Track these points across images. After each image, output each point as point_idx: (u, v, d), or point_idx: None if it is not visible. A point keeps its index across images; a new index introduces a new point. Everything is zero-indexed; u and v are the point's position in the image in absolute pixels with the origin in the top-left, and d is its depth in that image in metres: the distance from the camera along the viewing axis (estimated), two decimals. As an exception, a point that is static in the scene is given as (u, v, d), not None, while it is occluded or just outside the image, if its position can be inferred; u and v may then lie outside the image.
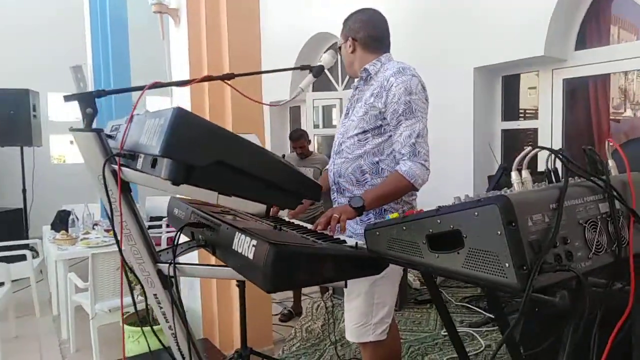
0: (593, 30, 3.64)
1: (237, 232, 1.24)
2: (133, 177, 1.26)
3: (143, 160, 1.08)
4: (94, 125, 1.30)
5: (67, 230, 3.85)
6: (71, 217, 3.94)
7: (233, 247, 1.24)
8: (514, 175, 0.98)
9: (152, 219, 4.95)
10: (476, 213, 0.91)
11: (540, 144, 3.88)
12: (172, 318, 1.40)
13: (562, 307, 0.87)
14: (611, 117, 3.69)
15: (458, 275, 0.97)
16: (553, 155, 1.07)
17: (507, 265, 0.86)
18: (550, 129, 3.82)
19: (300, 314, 3.60)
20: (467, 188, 4.02)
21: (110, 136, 1.50)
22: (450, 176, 4.06)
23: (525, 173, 0.99)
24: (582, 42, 3.65)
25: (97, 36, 5.87)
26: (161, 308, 1.40)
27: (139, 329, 2.89)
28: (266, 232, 1.24)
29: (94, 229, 4.07)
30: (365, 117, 1.74)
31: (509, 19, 3.64)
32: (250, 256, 1.14)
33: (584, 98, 3.78)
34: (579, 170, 1.02)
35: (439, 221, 0.99)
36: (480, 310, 3.08)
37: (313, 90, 6.20)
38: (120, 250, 1.28)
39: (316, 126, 5.81)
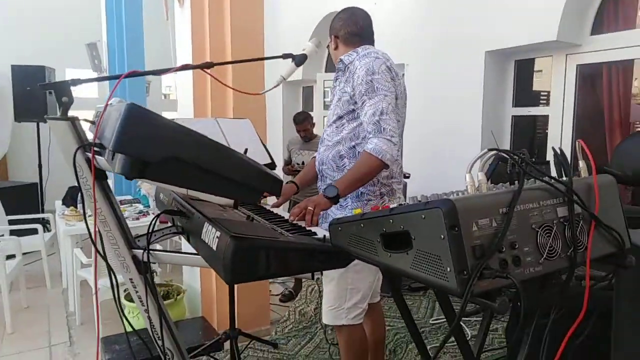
0: (611, 13, 3.49)
1: (205, 222, 1.27)
2: (105, 166, 1.28)
3: (108, 151, 1.10)
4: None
5: (76, 206, 3.96)
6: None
7: (202, 237, 1.27)
8: (467, 177, 0.97)
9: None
10: (423, 216, 0.91)
11: (550, 131, 3.79)
12: (147, 302, 1.44)
13: (502, 312, 0.86)
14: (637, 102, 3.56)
15: (407, 275, 0.97)
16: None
17: (448, 269, 0.86)
18: (561, 116, 3.71)
19: (301, 295, 3.66)
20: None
21: (93, 122, 1.53)
22: (458, 160, 4.00)
23: (480, 175, 0.98)
24: (601, 26, 3.51)
25: (111, 14, 5.91)
26: (137, 292, 1.45)
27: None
28: (233, 224, 1.25)
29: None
30: (339, 104, 1.81)
31: (522, 1, 3.51)
32: (214, 247, 1.17)
33: (599, 85, 3.65)
34: (536, 173, 1.00)
35: (391, 221, 1.00)
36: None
37: (326, 71, 6.14)
38: (90, 236, 1.32)
39: (327, 107, 5.78)
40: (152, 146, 0.93)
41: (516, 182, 1.07)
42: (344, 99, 1.78)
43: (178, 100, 3.30)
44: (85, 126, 1.46)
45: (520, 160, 0.99)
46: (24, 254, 3.79)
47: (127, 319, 1.59)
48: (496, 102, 4.03)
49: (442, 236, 0.86)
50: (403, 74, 4.63)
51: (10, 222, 4.29)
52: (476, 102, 3.94)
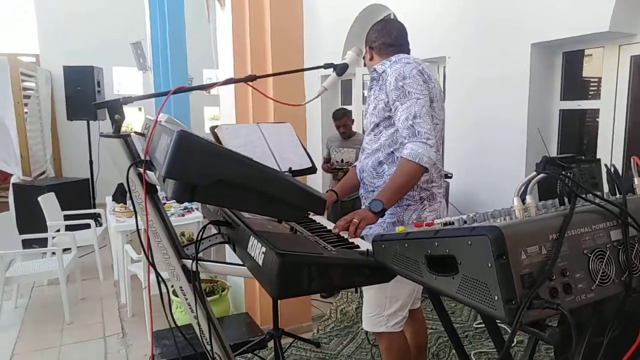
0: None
1: (251, 236, 1.30)
2: (156, 181, 1.34)
3: (159, 175, 1.15)
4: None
5: (125, 203, 4.13)
6: (129, 190, 4.20)
7: (247, 250, 1.30)
8: (515, 201, 0.95)
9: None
10: (469, 242, 0.90)
11: (601, 126, 3.62)
12: (196, 309, 1.50)
13: (552, 343, 0.85)
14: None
15: (453, 298, 0.97)
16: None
17: (496, 297, 0.85)
18: (613, 111, 3.54)
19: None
20: (519, 170, 3.85)
21: (143, 134, 1.59)
22: (502, 158, 3.92)
23: (529, 198, 0.96)
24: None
25: (155, 13, 6.07)
26: (186, 299, 1.51)
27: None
28: (278, 238, 1.28)
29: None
30: (374, 112, 1.83)
31: (571, -9, 3.35)
32: (260, 262, 1.20)
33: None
34: (588, 195, 0.97)
35: (436, 244, 0.99)
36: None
37: (364, 65, 6.09)
38: (143, 248, 1.38)
39: (366, 101, 5.75)
40: (200, 171, 0.97)
41: (566, 199, 1.05)
42: (379, 107, 1.80)
43: (220, 105, 3.36)
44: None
45: (571, 182, 0.96)
46: (77, 247, 4.00)
47: (175, 321, 1.66)
48: (543, 96, 3.88)
49: (490, 264, 0.85)
50: (445, 67, 4.54)
51: (65, 217, 4.54)
52: (522, 97, 3.81)
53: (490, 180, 4.00)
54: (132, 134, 1.52)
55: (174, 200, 1.07)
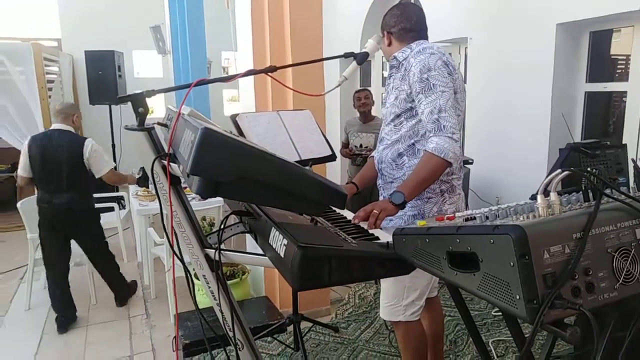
0: None
1: (273, 228, 1.32)
2: (179, 173, 1.36)
3: (183, 167, 1.17)
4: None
5: (147, 187, 4.20)
6: (151, 174, 4.27)
7: (269, 241, 1.32)
8: (539, 199, 0.94)
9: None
10: (492, 240, 0.90)
11: (628, 110, 3.52)
12: (219, 297, 1.53)
13: (573, 343, 0.85)
14: None
15: (475, 295, 0.98)
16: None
17: (517, 297, 0.85)
18: (641, 93, 3.43)
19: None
20: (542, 155, 3.79)
21: (166, 125, 1.61)
22: (525, 142, 3.85)
23: (553, 196, 0.95)
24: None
25: (173, -2, 6.06)
26: (209, 287, 1.54)
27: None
28: (299, 230, 1.30)
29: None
30: (396, 102, 1.79)
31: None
32: (282, 254, 1.22)
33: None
34: (615, 193, 0.96)
35: (458, 240, 0.99)
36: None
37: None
38: (168, 239, 1.41)
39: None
40: (224, 168, 0.98)
41: (590, 193, 1.04)
42: (401, 97, 1.76)
43: (240, 88, 3.37)
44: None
45: (596, 179, 0.95)
46: (103, 230, 4.10)
47: (197, 305, 1.71)
48: (568, 78, 3.79)
49: (512, 263, 0.85)
50: (466, 48, 4.45)
51: (90, 201, 4.64)
52: (546, 79, 3.72)
53: (512, 165, 3.95)
54: (155, 125, 1.54)
55: (199, 196, 1.10)
